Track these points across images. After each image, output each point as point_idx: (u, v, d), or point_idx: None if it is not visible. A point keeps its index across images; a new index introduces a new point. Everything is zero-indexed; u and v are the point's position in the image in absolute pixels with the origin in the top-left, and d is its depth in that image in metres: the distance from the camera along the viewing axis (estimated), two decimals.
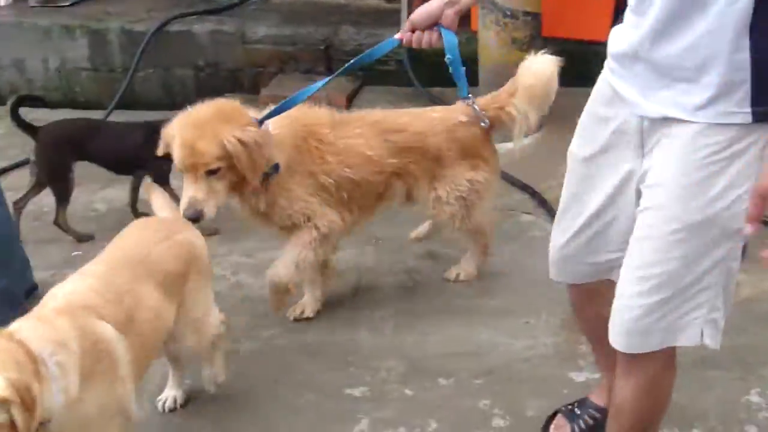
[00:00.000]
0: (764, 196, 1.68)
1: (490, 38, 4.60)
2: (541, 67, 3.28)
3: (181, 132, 2.86)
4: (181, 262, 2.53)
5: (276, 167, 2.97)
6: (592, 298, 2.35)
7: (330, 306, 3.40)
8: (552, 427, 2.66)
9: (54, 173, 3.82)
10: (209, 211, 2.86)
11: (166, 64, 5.77)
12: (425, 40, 2.44)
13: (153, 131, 3.26)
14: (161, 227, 2.66)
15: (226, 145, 2.79)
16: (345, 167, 3.13)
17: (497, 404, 2.79)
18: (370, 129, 3.22)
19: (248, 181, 2.90)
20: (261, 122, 2.90)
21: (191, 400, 2.87)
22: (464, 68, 2.69)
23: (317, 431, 2.76)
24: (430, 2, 2.40)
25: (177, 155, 2.87)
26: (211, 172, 2.84)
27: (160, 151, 3.01)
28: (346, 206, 3.18)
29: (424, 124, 3.29)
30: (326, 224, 3.12)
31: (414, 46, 2.47)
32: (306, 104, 3.08)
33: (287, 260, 3.14)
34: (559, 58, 3.27)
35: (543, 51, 3.33)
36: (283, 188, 3.04)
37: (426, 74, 5.19)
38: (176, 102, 4.40)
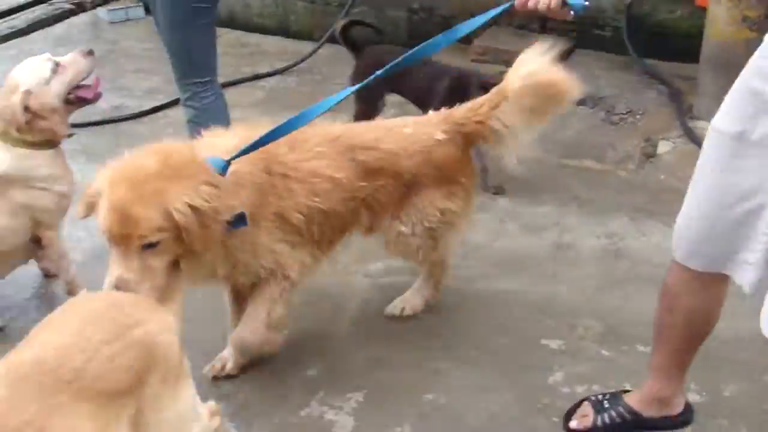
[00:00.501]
0: None
1: (720, 14, 4.43)
2: (534, 69, 2.72)
3: (113, 190, 2.26)
4: (133, 374, 1.79)
5: (241, 219, 2.45)
6: (696, 290, 2.27)
7: (531, 259, 3.45)
8: (577, 413, 2.60)
9: (365, 95, 3.92)
10: (142, 293, 2.25)
11: (380, 4, 5.87)
12: (542, 2, 2.26)
13: (460, 81, 3.50)
14: (113, 315, 1.87)
15: (172, 214, 2.24)
16: (312, 196, 2.64)
17: (694, 380, 2.75)
18: (332, 146, 2.72)
19: (198, 252, 2.39)
20: (226, 166, 2.40)
21: None
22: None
23: (510, 373, 2.84)
24: None
25: (104, 221, 2.26)
26: (149, 246, 2.27)
27: (78, 214, 2.44)
28: (317, 242, 2.74)
29: (396, 142, 2.79)
30: (297, 270, 2.70)
31: (530, 7, 2.29)
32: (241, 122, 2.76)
33: (255, 323, 2.72)
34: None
35: None
36: (245, 242, 2.55)
37: (644, 43, 5.02)
38: (384, 43, 4.55)
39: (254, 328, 2.72)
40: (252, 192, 2.50)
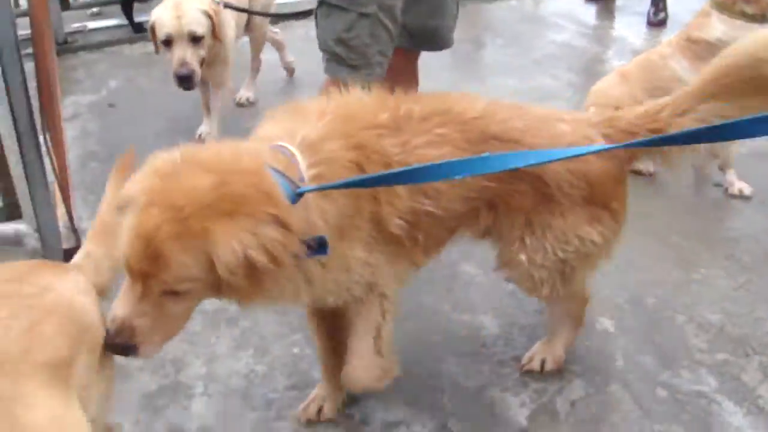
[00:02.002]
0: None
1: None
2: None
3: (145, 212, 1.73)
4: (66, 339, 1.62)
5: (321, 246, 1.89)
6: None
7: None
8: None
9: None
10: (150, 343, 1.83)
11: None
12: None
13: None
14: (14, 288, 1.66)
15: (215, 264, 1.71)
16: (421, 197, 2.13)
17: None
18: (461, 130, 2.17)
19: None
20: (296, 198, 1.84)
21: None
22: None
23: None
24: None
25: (125, 247, 1.76)
26: (171, 293, 1.79)
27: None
28: (421, 248, 2.26)
29: (546, 139, 2.23)
30: (394, 287, 2.26)
31: None
32: (351, 89, 2.21)
33: (365, 356, 2.30)
34: None
35: None
36: (333, 257, 1.99)
37: None
38: None
39: (366, 362, 2.29)
40: (340, 202, 1.98)
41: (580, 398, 2.67)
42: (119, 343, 1.76)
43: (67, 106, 4.96)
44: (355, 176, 1.97)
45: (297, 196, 1.82)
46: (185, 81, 3.92)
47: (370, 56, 2.92)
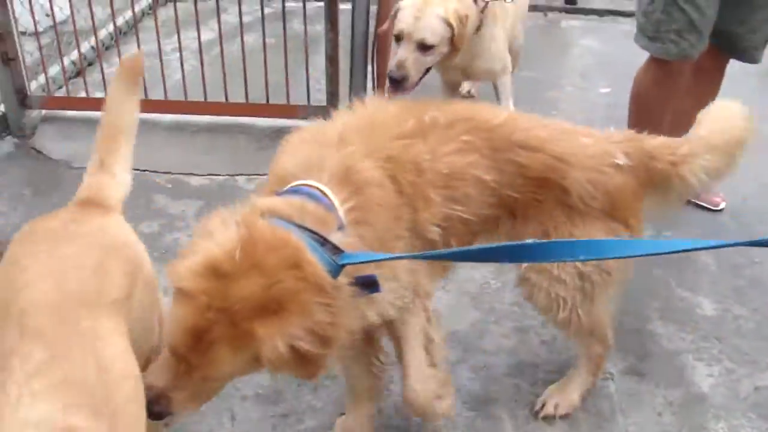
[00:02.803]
0: None
1: None
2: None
3: (201, 313, 1.71)
4: (126, 278, 1.77)
5: (372, 284, 1.90)
6: None
7: None
8: None
9: None
10: (185, 410, 1.86)
11: None
12: None
13: None
14: (72, 229, 1.82)
15: (262, 361, 1.73)
16: (452, 203, 2.16)
17: None
18: (485, 138, 2.21)
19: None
20: (339, 269, 1.79)
21: None
22: None
23: None
24: None
25: (173, 334, 1.76)
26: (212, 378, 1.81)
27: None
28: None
29: (569, 149, 2.26)
30: (431, 290, 2.29)
31: None
32: (376, 101, 2.28)
33: (418, 368, 2.26)
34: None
35: None
36: (384, 268, 2.00)
37: None
38: None
39: (420, 375, 2.27)
40: (378, 218, 2.00)
41: None
42: (156, 411, 1.77)
43: None
44: (426, 252, 2.09)
45: (340, 267, 1.79)
46: (394, 83, 3.64)
47: (662, 31, 3.26)
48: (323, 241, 1.80)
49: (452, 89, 4.33)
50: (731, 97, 3.92)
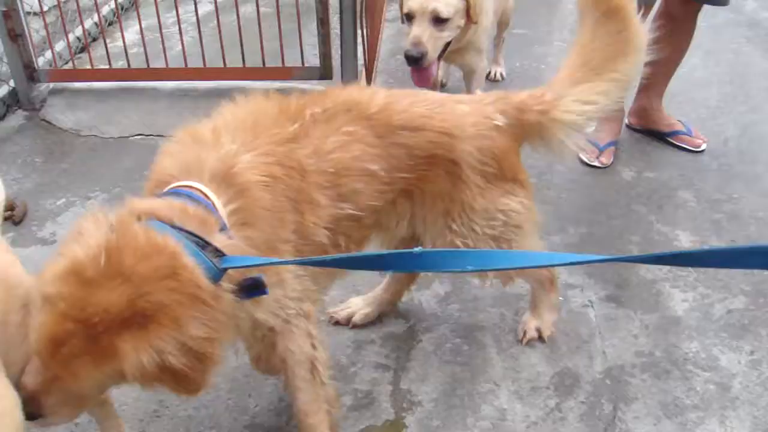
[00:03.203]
0: None
1: None
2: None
3: (60, 322, 1.59)
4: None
5: (258, 286, 1.81)
6: None
7: None
8: None
9: None
10: (59, 416, 1.76)
11: None
12: None
13: None
14: None
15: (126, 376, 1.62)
16: (341, 202, 2.12)
17: None
18: (367, 126, 2.16)
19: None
20: (220, 275, 1.71)
21: None
22: None
23: None
24: None
25: (36, 340, 1.63)
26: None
27: None
28: (345, 251, 2.22)
29: (450, 121, 2.26)
30: (315, 299, 2.19)
31: None
32: (258, 96, 2.19)
33: (308, 403, 2.24)
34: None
35: None
36: (271, 273, 1.92)
37: None
38: None
39: (313, 408, 2.25)
40: (263, 222, 1.94)
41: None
42: (27, 412, 1.66)
43: (391, 10, 5.79)
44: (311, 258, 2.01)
45: (222, 272, 1.71)
46: (414, 62, 3.52)
47: None
48: (204, 244, 1.71)
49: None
50: (720, 48, 4.12)
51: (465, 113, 2.30)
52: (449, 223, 2.35)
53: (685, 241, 3.37)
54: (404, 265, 1.81)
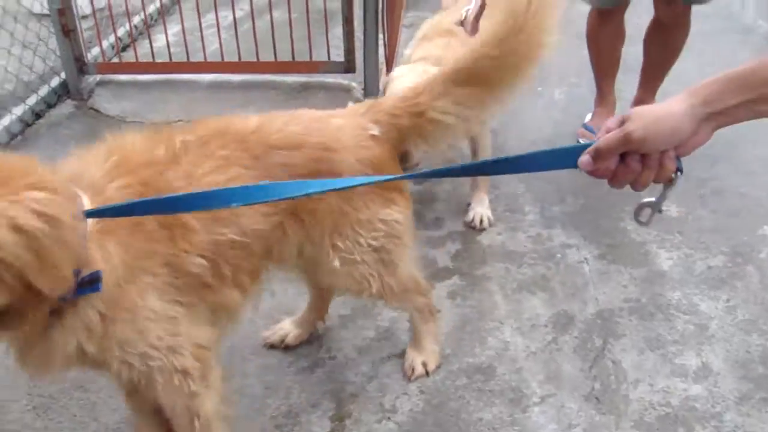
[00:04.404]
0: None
1: None
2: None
3: None
4: None
5: (93, 281, 1.69)
6: None
7: None
8: None
9: None
10: None
11: None
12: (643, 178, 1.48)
13: None
14: None
15: None
16: (220, 227, 2.00)
17: None
18: (244, 149, 2.07)
19: (34, 301, 1.62)
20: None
21: None
22: None
23: None
24: (660, 107, 1.44)
25: None
26: None
27: None
28: (232, 284, 2.10)
29: (327, 136, 2.21)
30: (200, 353, 2.00)
31: (614, 185, 1.50)
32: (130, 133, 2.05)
33: None
34: None
35: None
36: (121, 307, 1.80)
37: None
38: None
39: None
40: (128, 244, 1.81)
41: None
42: None
43: (408, 17, 6.20)
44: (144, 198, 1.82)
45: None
46: None
47: None
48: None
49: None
50: (714, 52, 4.51)
51: (340, 126, 2.27)
52: (335, 241, 2.30)
53: (674, 212, 3.75)
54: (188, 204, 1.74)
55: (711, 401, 2.73)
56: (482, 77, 2.26)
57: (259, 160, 2.06)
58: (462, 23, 3.12)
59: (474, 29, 3.07)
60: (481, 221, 3.63)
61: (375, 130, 2.30)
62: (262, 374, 2.88)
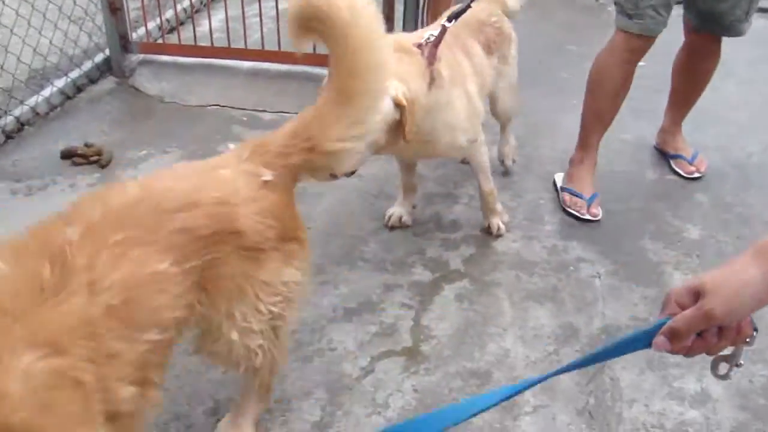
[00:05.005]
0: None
1: None
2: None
3: None
4: None
5: None
6: None
7: None
8: None
9: None
10: None
11: None
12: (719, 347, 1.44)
13: None
14: None
15: None
16: (143, 333, 1.73)
17: None
18: (135, 225, 1.79)
19: None
20: None
21: None
22: None
23: None
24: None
25: None
26: None
27: None
28: (155, 382, 1.83)
29: (221, 189, 1.99)
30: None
31: (687, 355, 1.46)
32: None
33: None
34: None
35: None
36: None
37: None
38: None
39: None
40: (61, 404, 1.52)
41: None
42: None
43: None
44: None
45: None
46: None
47: (641, 8, 3.56)
48: None
49: (409, 169, 3.66)
50: (755, 79, 4.38)
51: (231, 177, 2.04)
52: (232, 310, 2.03)
53: (695, 234, 3.71)
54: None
55: (706, 428, 2.70)
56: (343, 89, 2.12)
57: (156, 232, 1.80)
58: (420, 46, 3.07)
59: (431, 54, 3.03)
60: (498, 228, 3.62)
61: (267, 176, 2.08)
62: None
